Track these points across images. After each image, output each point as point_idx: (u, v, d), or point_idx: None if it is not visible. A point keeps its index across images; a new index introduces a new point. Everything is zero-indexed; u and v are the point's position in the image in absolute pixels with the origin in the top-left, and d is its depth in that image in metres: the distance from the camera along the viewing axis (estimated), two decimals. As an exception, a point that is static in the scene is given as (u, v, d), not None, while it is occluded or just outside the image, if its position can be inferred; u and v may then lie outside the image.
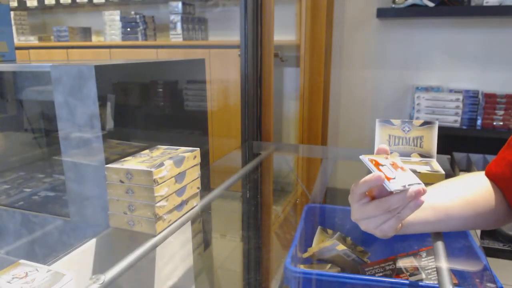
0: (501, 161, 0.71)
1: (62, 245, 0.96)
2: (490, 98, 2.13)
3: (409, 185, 0.56)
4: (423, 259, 0.82)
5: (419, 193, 0.56)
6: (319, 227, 0.98)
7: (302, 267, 0.89)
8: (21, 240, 1.01)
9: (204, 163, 1.09)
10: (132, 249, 0.73)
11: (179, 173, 0.83)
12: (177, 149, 0.90)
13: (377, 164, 0.58)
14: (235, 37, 1.82)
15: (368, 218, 0.59)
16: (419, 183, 0.57)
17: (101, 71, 0.81)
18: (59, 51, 3.19)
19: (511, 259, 1.93)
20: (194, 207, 0.92)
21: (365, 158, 0.59)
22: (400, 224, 0.64)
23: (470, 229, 0.78)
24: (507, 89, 2.22)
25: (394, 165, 0.59)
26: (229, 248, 1.38)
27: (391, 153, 0.74)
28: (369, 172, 0.57)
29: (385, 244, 0.95)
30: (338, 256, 0.87)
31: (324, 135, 2.53)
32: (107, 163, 0.81)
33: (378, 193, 0.58)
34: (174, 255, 0.96)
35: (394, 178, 0.56)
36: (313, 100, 2.34)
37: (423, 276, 0.80)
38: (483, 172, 0.75)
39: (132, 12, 3.13)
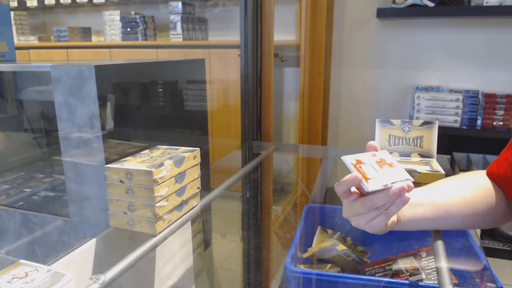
0: (504, 161, 0.71)
1: (62, 245, 0.96)
2: (490, 98, 2.13)
3: (392, 182, 0.56)
4: (423, 259, 0.82)
5: (403, 190, 0.55)
6: (319, 227, 0.98)
7: (302, 267, 0.89)
8: (21, 240, 1.01)
9: (204, 163, 1.09)
10: (132, 249, 0.73)
11: (179, 173, 0.83)
12: (177, 149, 0.90)
13: (359, 163, 0.58)
14: (235, 37, 1.82)
15: (357, 215, 0.60)
16: (406, 179, 0.57)
17: (101, 71, 0.81)
18: (59, 51, 3.19)
19: (511, 259, 1.93)
20: (194, 207, 0.92)
21: (346, 158, 0.59)
22: (396, 220, 0.64)
23: (468, 228, 0.78)
24: (507, 89, 2.22)
25: (381, 162, 0.59)
26: (229, 248, 1.38)
27: (391, 153, 0.74)
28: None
29: (385, 244, 0.95)
30: (338, 256, 0.87)
31: (324, 135, 2.53)
32: (107, 163, 0.81)
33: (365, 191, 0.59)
34: (174, 255, 0.96)
35: (375, 178, 0.56)
36: (313, 100, 2.34)
37: (423, 276, 0.80)
38: (482, 171, 0.75)
39: (132, 12, 3.13)
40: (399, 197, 0.56)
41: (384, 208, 0.58)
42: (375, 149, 0.62)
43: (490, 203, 0.69)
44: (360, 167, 0.57)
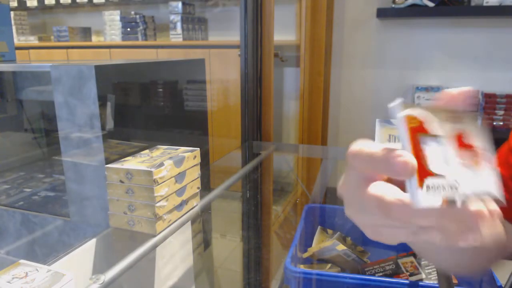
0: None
1: (62, 245, 0.96)
2: (490, 98, 2.13)
3: (466, 196, 0.26)
4: (423, 259, 0.82)
5: (479, 217, 0.26)
6: (319, 227, 0.98)
7: (302, 267, 0.89)
8: (21, 240, 1.01)
9: (204, 163, 1.09)
10: (132, 249, 0.73)
11: (179, 173, 0.83)
12: (177, 149, 0.90)
13: (419, 131, 0.26)
14: (235, 37, 1.82)
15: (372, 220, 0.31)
16: (490, 192, 0.27)
17: (101, 71, 0.81)
18: (59, 51, 3.19)
19: (511, 259, 1.92)
20: (194, 207, 0.92)
21: (400, 113, 0.27)
22: None
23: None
24: (507, 89, 2.22)
25: (459, 141, 0.27)
26: (229, 248, 1.38)
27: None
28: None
29: (385, 244, 0.95)
30: (338, 256, 0.87)
31: (324, 135, 2.53)
32: (107, 163, 0.81)
33: None
34: (174, 255, 0.96)
35: (440, 175, 0.26)
36: (313, 100, 2.34)
37: (423, 276, 0.80)
38: None
39: (132, 12, 3.13)
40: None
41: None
42: (464, 102, 0.29)
43: None
44: (420, 141, 0.26)
